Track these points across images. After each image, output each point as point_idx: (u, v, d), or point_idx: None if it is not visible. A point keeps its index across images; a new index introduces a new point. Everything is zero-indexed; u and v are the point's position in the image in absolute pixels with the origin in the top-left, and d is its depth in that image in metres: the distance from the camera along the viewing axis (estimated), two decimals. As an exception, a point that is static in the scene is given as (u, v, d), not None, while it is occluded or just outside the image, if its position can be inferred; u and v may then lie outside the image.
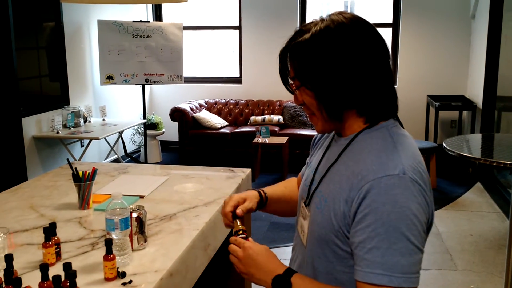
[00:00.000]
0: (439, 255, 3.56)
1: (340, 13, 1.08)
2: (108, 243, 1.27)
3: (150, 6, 6.82)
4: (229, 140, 5.91)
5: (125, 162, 5.71)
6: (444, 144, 2.72)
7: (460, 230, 4.01)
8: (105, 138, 4.99)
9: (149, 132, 6.11)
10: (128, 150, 6.23)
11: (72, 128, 4.82)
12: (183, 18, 6.82)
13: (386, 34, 6.40)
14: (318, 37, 1.05)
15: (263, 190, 1.38)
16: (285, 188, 1.46)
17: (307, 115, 1.15)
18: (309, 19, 6.50)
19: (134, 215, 1.44)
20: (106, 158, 5.64)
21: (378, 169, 0.98)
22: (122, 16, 6.06)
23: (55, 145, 4.87)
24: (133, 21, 5.52)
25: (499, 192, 4.64)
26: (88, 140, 4.87)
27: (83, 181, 1.79)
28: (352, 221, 0.99)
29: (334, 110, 1.07)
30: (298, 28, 1.13)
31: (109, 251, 1.27)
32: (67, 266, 1.15)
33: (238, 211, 1.25)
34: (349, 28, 1.04)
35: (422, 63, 6.16)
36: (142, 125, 5.99)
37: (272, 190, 1.41)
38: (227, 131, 5.98)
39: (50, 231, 1.37)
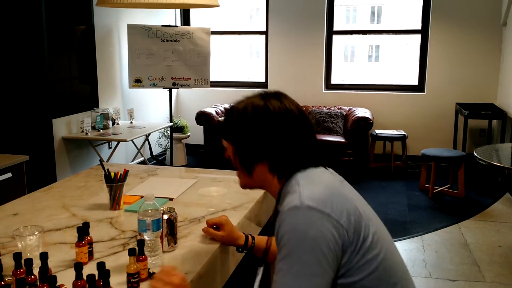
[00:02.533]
0: (467, 267, 3.49)
1: (254, 98, 1.30)
2: (141, 243, 1.28)
3: (178, 11, 6.90)
4: (254, 144, 5.92)
5: (151, 165, 5.77)
6: (474, 153, 2.68)
7: (488, 241, 3.93)
8: (132, 141, 5.05)
9: (175, 135, 6.16)
10: (154, 153, 6.30)
11: (101, 130, 4.90)
12: (211, 23, 6.87)
13: (414, 40, 6.33)
14: (246, 101, 1.31)
15: (254, 239, 1.55)
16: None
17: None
18: (336, 24, 6.49)
19: (165, 216, 1.45)
20: (133, 160, 5.71)
21: (284, 206, 1.11)
22: (151, 20, 6.14)
23: (84, 146, 4.96)
24: (162, 25, 5.59)
25: (530, 203, 4.53)
26: (116, 142, 4.94)
27: (114, 182, 1.82)
28: None
29: (245, 160, 1.27)
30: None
31: (141, 251, 1.28)
32: (101, 266, 1.17)
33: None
34: (269, 96, 1.29)
35: (452, 70, 6.07)
36: (169, 128, 6.05)
37: (261, 241, 1.57)
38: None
39: (83, 230, 1.40)
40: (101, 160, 2.01)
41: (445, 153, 4.99)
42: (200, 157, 6.74)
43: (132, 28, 5.41)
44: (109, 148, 5.33)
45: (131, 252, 1.24)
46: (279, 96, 1.29)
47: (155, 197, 1.89)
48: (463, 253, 3.71)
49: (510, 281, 3.25)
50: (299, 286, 1.02)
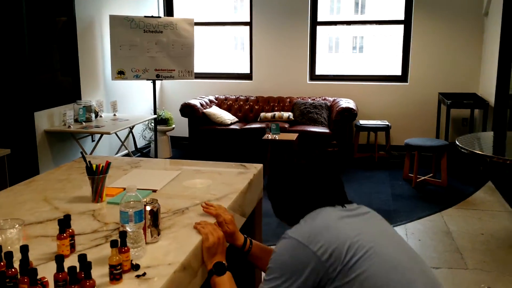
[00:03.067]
0: (450, 254, 3.54)
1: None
2: (123, 235, 1.27)
3: (161, 1, 6.83)
4: (239, 136, 5.92)
5: (132, 157, 5.74)
6: (456, 142, 2.71)
7: (471, 229, 3.99)
8: (116, 133, 5.01)
9: (159, 127, 6.13)
10: (139, 146, 6.26)
11: (84, 123, 4.86)
12: (194, 14, 6.83)
13: (397, 30, 6.36)
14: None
15: (251, 244, 1.69)
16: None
17: None
18: (320, 15, 6.49)
19: (148, 208, 1.45)
20: (116, 153, 5.67)
21: (280, 238, 1.36)
22: (133, 11, 6.08)
23: (66, 140, 4.91)
24: (145, 16, 5.53)
25: (511, 191, 4.60)
26: (99, 135, 4.90)
27: (96, 175, 1.80)
28: None
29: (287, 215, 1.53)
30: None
31: (123, 243, 1.28)
32: (82, 258, 1.16)
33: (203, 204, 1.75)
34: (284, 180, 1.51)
35: (434, 60, 6.12)
36: (153, 121, 6.02)
37: (260, 248, 1.70)
38: (237, 127, 5.99)
39: (64, 223, 1.38)
40: (82, 153, 1.99)
41: (428, 143, 5.04)
42: (185, 150, 6.72)
43: (114, 19, 5.35)
44: (93, 141, 5.29)
45: (113, 243, 1.23)
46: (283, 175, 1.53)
47: (138, 189, 1.89)
48: (445, 241, 3.76)
49: (492, 268, 3.30)
50: None
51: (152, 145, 6.25)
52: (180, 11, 7.01)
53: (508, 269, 3.27)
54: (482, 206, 4.52)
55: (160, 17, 5.68)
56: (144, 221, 1.39)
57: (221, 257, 1.51)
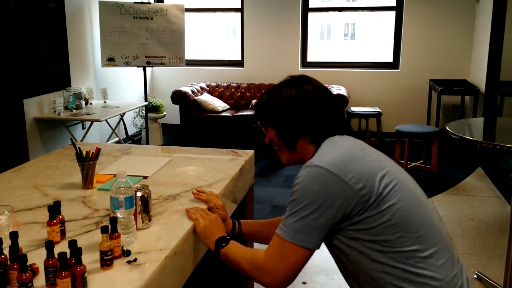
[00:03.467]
0: (440, 239, 3.57)
1: (292, 81, 1.48)
2: (113, 221, 1.27)
3: (151, -13, 6.75)
4: (230, 123, 5.90)
5: (122, 144, 5.72)
6: (447, 127, 2.71)
7: (461, 214, 4.02)
8: (106, 121, 4.98)
9: (150, 115, 6.10)
10: (130, 133, 6.22)
11: (74, 110, 4.81)
12: (185, 0, 6.76)
13: (389, 17, 6.34)
14: (276, 88, 1.49)
15: (240, 225, 1.69)
16: (268, 225, 1.69)
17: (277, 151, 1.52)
18: (312, 1, 6.45)
19: (139, 194, 1.44)
20: (107, 141, 5.64)
21: (304, 165, 1.33)
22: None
23: (56, 127, 4.87)
24: (135, 2, 5.47)
25: (500, 177, 4.64)
26: (90, 122, 4.86)
27: (86, 161, 1.79)
28: None
29: (289, 139, 1.45)
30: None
31: (114, 229, 1.27)
32: (72, 244, 1.15)
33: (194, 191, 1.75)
34: (299, 80, 1.48)
35: (425, 47, 6.12)
36: (144, 108, 5.98)
37: (249, 225, 1.72)
38: (229, 114, 5.97)
39: (54, 209, 1.37)
40: (72, 139, 1.97)
41: (418, 129, 5.06)
42: (176, 137, 6.69)
43: (103, 5, 5.28)
44: (83, 128, 5.25)
45: (104, 229, 1.22)
46: (308, 79, 1.49)
47: (129, 175, 1.88)
48: (436, 227, 3.79)
49: (481, 253, 3.34)
50: (296, 226, 1.27)
51: (143, 133, 6.22)
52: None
53: (498, 253, 3.31)
54: (472, 191, 4.56)
55: (150, 3, 5.62)
56: (134, 207, 1.39)
57: (219, 234, 1.49)
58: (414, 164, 5.18)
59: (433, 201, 4.33)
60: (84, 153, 1.79)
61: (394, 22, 6.26)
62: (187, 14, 5.85)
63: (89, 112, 4.79)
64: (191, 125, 6.02)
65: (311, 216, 1.26)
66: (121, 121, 5.65)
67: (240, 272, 1.40)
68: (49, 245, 1.14)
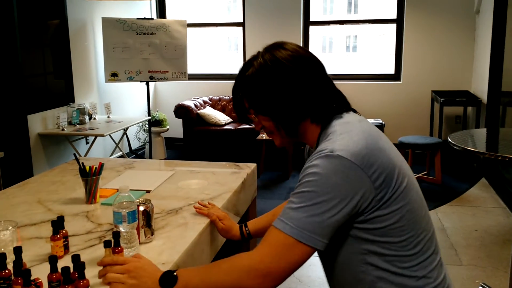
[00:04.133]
0: (444, 250, 3.56)
1: (274, 48, 1.31)
2: (116, 235, 1.28)
3: (153, 3, 6.83)
4: (233, 136, 5.92)
5: (126, 159, 5.74)
6: (449, 139, 2.72)
7: (465, 225, 4.01)
8: (110, 135, 5.01)
9: (153, 129, 6.13)
10: (133, 147, 6.25)
11: (77, 125, 4.85)
12: (187, 15, 6.83)
13: (390, 30, 6.38)
14: (259, 73, 1.26)
15: (246, 227, 1.61)
16: (274, 216, 1.56)
17: (267, 134, 1.33)
18: (312, 15, 6.50)
19: (141, 208, 1.45)
20: (111, 155, 5.66)
21: (316, 152, 1.15)
22: (126, 13, 6.07)
23: (60, 142, 4.90)
24: (137, 18, 5.53)
25: (504, 188, 4.63)
26: (93, 137, 4.89)
27: (90, 176, 1.81)
28: None
29: (290, 126, 1.27)
30: (242, 65, 1.33)
31: (117, 243, 1.28)
32: (75, 258, 1.16)
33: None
34: (282, 62, 1.25)
35: (427, 59, 6.15)
36: (147, 122, 6.01)
37: (255, 223, 1.63)
38: (231, 127, 5.99)
39: (58, 224, 1.38)
40: (75, 154, 1.99)
41: (421, 140, 5.06)
42: (179, 150, 6.72)
43: (106, 22, 5.34)
44: (87, 143, 5.28)
45: (107, 244, 1.23)
46: (283, 45, 1.31)
47: (132, 189, 1.89)
48: (440, 238, 3.78)
49: (486, 264, 3.32)
50: (306, 222, 1.09)
51: (147, 147, 6.25)
52: (173, 13, 7.01)
53: (503, 264, 3.29)
54: (476, 202, 4.55)
55: (153, 19, 5.68)
56: (137, 221, 1.40)
57: (155, 277, 1.18)
58: (417, 175, 5.17)
59: (437, 212, 4.31)
60: (87, 168, 1.81)
61: (395, 34, 6.29)
62: (189, 29, 5.91)
63: (92, 127, 4.82)
64: (194, 139, 6.05)
65: (328, 214, 1.09)
66: (125, 136, 5.69)
67: None
68: (53, 259, 1.15)
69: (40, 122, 4.63)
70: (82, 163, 1.83)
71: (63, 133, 4.64)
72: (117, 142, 5.50)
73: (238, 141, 5.93)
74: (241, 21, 6.65)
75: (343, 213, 1.11)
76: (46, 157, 4.71)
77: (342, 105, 1.29)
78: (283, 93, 1.23)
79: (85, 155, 4.96)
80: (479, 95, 5.55)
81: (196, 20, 6.90)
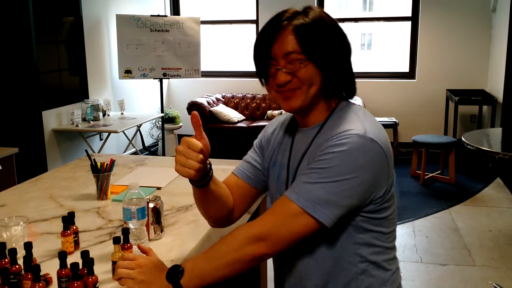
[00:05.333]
0: (457, 251, 3.52)
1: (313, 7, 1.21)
2: (125, 232, 1.28)
3: (167, 0, 6.85)
4: (246, 134, 5.92)
5: (144, 155, 5.77)
6: (463, 138, 2.69)
7: (479, 225, 3.96)
8: (123, 132, 5.04)
9: (166, 126, 6.15)
10: (146, 144, 6.29)
11: (91, 122, 4.88)
12: (200, 13, 6.83)
13: (405, 27, 6.33)
14: (322, 22, 1.16)
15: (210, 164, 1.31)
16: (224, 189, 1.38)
17: (285, 91, 1.17)
18: (329, 13, 6.45)
19: (151, 205, 1.45)
20: (124, 152, 5.70)
21: (342, 130, 1.11)
22: (140, 10, 6.10)
23: (74, 138, 4.94)
24: (151, 15, 5.55)
25: (520, 188, 4.57)
26: (107, 134, 4.93)
27: (101, 172, 1.82)
28: None
29: (329, 85, 1.19)
30: (284, 11, 1.22)
31: (126, 240, 1.28)
32: (84, 254, 1.17)
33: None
34: (333, 20, 1.20)
35: (442, 57, 6.08)
36: (160, 119, 6.04)
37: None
38: (244, 125, 5.99)
39: (68, 220, 1.39)
40: (87, 151, 2.00)
41: (436, 139, 5.02)
42: (192, 148, 6.73)
43: (121, 19, 5.37)
44: (101, 139, 5.32)
45: (116, 240, 1.24)
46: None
47: (143, 186, 1.89)
48: (453, 238, 3.74)
49: (499, 265, 3.28)
50: (321, 198, 1.07)
51: (160, 144, 6.28)
52: (186, 10, 7.02)
53: (516, 266, 3.25)
54: (490, 202, 4.50)
55: (167, 16, 5.70)
56: (147, 218, 1.40)
57: (162, 275, 1.14)
58: (431, 174, 5.13)
59: (451, 212, 4.27)
60: (99, 164, 1.82)
61: (410, 32, 6.24)
62: (202, 26, 5.92)
63: (106, 124, 4.86)
64: (207, 136, 6.01)
65: (345, 193, 1.07)
66: (138, 132, 5.72)
67: (229, 272, 1.12)
68: (62, 255, 1.16)
69: (54, 118, 4.68)
70: (94, 159, 1.84)
71: (77, 129, 4.68)
72: (130, 138, 5.53)
73: (250, 139, 5.86)
74: (255, 18, 6.63)
75: (360, 196, 1.10)
76: (60, 153, 4.76)
77: (354, 91, 1.27)
78: (340, 50, 1.18)
79: (99, 152, 5.00)
80: (495, 94, 5.48)
81: (209, 18, 6.91)
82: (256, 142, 1.45)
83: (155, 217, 1.46)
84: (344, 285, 1.20)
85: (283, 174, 1.28)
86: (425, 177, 5.06)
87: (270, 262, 1.36)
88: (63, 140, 4.79)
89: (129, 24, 5.40)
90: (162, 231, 1.50)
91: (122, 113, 5.39)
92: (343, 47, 1.19)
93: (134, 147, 5.63)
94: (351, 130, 1.10)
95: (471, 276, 3.15)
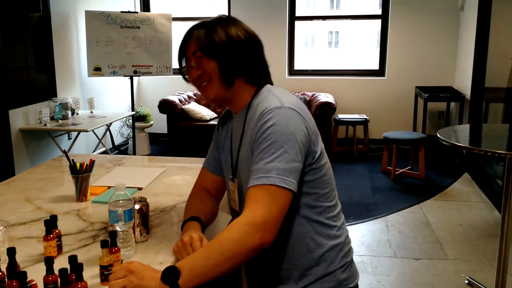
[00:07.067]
0: (430, 245, 3.59)
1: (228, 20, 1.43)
2: (113, 235, 1.25)
3: (137, -4, 6.73)
4: (218, 132, 5.88)
5: (113, 155, 5.66)
6: (437, 135, 2.74)
7: (449, 220, 4.06)
8: (93, 131, 4.93)
9: (137, 124, 6.05)
10: (116, 143, 6.17)
11: (60, 121, 4.75)
12: (171, 9, 6.75)
13: (372, 26, 6.41)
14: (214, 29, 1.38)
15: (199, 219, 1.45)
16: (202, 203, 1.55)
17: (199, 85, 1.39)
18: (298, 10, 6.48)
19: (137, 206, 1.42)
20: (94, 151, 5.58)
21: (263, 108, 1.28)
22: (109, 6, 5.98)
23: (42, 138, 4.80)
24: (121, 11, 5.44)
25: (487, 182, 4.70)
26: (76, 133, 4.81)
27: (80, 173, 1.77)
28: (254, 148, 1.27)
29: (231, 73, 1.36)
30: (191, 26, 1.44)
31: (113, 243, 1.25)
32: (72, 259, 1.13)
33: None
34: (232, 19, 1.43)
35: (411, 55, 6.19)
36: (130, 117, 5.94)
37: (198, 213, 1.48)
38: (216, 123, 5.95)
39: (51, 223, 1.35)
40: (65, 151, 1.94)
41: (406, 136, 5.10)
42: (163, 146, 6.66)
43: (90, 15, 5.25)
44: (69, 139, 5.19)
45: (104, 244, 1.20)
46: (241, 22, 1.46)
47: (123, 187, 1.85)
48: (425, 232, 3.82)
49: (471, 258, 3.37)
50: (283, 169, 1.20)
51: (130, 142, 6.17)
52: (156, 7, 6.92)
53: (488, 258, 3.34)
54: (460, 197, 4.61)
55: (137, 12, 5.60)
56: (133, 220, 1.37)
57: (157, 275, 1.14)
58: (401, 170, 5.22)
59: (422, 207, 4.36)
60: (78, 165, 1.77)
61: (380, 29, 6.32)
62: (174, 23, 5.84)
63: (75, 123, 4.74)
64: (179, 134, 5.99)
65: (295, 157, 1.23)
66: (108, 131, 5.60)
67: (230, 266, 1.16)
68: (49, 261, 1.12)
69: (21, 117, 4.53)
70: (73, 159, 1.79)
71: (46, 128, 4.55)
72: (100, 137, 5.42)
73: (223, 137, 5.88)
74: (227, 14, 6.59)
75: (303, 157, 1.26)
76: (28, 153, 4.61)
77: (268, 76, 1.46)
78: (239, 42, 1.37)
79: (68, 151, 4.87)
80: (462, 91, 5.62)
81: (181, 14, 6.83)
82: (214, 133, 1.62)
83: (142, 219, 1.43)
84: (296, 244, 1.34)
85: (228, 157, 1.47)
86: (396, 173, 5.15)
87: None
88: (31, 140, 4.65)
89: (98, 21, 5.28)
90: (148, 233, 1.46)
91: (91, 112, 5.27)
92: (239, 44, 1.37)
93: (104, 146, 5.52)
94: (271, 105, 1.28)
95: (444, 270, 3.22)
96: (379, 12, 6.29)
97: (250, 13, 6.44)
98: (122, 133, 6.41)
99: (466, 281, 3.04)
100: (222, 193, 1.62)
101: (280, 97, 1.32)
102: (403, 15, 6.12)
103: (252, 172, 1.24)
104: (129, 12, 5.48)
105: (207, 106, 6.37)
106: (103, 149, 5.57)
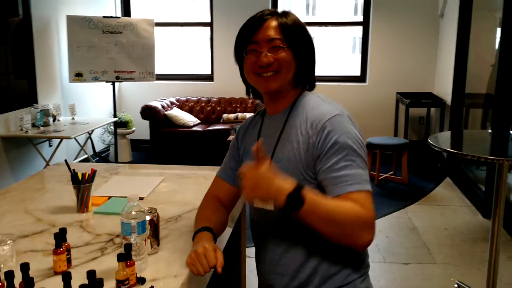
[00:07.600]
0: (417, 250, 3.64)
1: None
2: (128, 248, 1.22)
3: (118, 1, 6.65)
4: (201, 138, 5.85)
5: (95, 162, 5.57)
6: (429, 140, 2.78)
7: (435, 224, 4.12)
8: (75, 138, 4.84)
9: (119, 130, 5.97)
10: (97, 149, 6.07)
11: (41, 127, 4.65)
12: (153, 14, 6.69)
13: (349, 32, 6.48)
14: (299, 22, 1.40)
15: (211, 229, 1.41)
16: (213, 213, 1.52)
17: (266, 73, 1.36)
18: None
19: (147, 218, 1.39)
20: (75, 158, 5.48)
21: (325, 114, 1.31)
22: (91, 11, 5.89)
23: (23, 145, 4.69)
24: (104, 16, 5.37)
25: (469, 186, 4.78)
26: (58, 140, 4.71)
27: (82, 183, 1.73)
28: (320, 155, 1.29)
29: (303, 71, 1.40)
30: (270, 10, 1.42)
31: (128, 256, 1.22)
32: (91, 274, 1.10)
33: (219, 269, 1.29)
34: (304, 25, 1.44)
35: (392, 61, 6.28)
36: (112, 124, 5.85)
37: (210, 223, 1.44)
38: (200, 129, 5.92)
39: (61, 237, 1.31)
40: (66, 160, 1.90)
41: (389, 141, 5.17)
42: (146, 153, 6.57)
43: (71, 20, 5.16)
44: (50, 146, 5.08)
45: (121, 257, 1.18)
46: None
47: (123, 196, 1.82)
48: (412, 237, 3.86)
49: (459, 262, 3.42)
50: (364, 175, 1.27)
51: (112, 149, 6.08)
52: (138, 12, 6.85)
53: (475, 262, 3.40)
54: (443, 201, 4.68)
55: (119, 17, 5.54)
56: (147, 231, 1.34)
57: (280, 186, 1.21)
58: (385, 175, 5.28)
59: (407, 211, 4.41)
60: (79, 175, 1.73)
61: (361, 36, 6.40)
62: (156, 28, 5.79)
63: (57, 129, 4.64)
64: (161, 141, 5.93)
65: (365, 162, 1.30)
66: (89, 138, 5.51)
67: (331, 230, 1.23)
68: (67, 277, 1.09)
69: (2, 124, 4.42)
70: (73, 169, 1.74)
71: (27, 135, 4.44)
72: (82, 144, 5.32)
73: (206, 143, 5.85)
74: (209, 21, 6.58)
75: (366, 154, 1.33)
76: (8, 161, 4.49)
77: (314, 83, 1.50)
78: (310, 48, 1.42)
79: (50, 159, 4.77)
80: (443, 97, 5.72)
81: (163, 20, 6.78)
82: (232, 143, 1.61)
83: (153, 230, 1.40)
84: (327, 249, 1.34)
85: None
86: (380, 178, 5.21)
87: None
88: (11, 147, 4.53)
89: (80, 26, 5.20)
90: (158, 244, 1.44)
91: (73, 118, 5.17)
92: (312, 46, 1.42)
93: (86, 153, 5.42)
94: (332, 113, 1.32)
95: (433, 274, 3.26)
96: (355, 18, 6.37)
97: (233, 20, 6.43)
98: (104, 140, 6.31)
99: (456, 285, 3.09)
100: (233, 204, 1.62)
101: (334, 104, 1.38)
102: (384, 22, 6.20)
103: (337, 178, 1.26)
104: (111, 17, 5.41)
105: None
106: (85, 156, 5.48)
